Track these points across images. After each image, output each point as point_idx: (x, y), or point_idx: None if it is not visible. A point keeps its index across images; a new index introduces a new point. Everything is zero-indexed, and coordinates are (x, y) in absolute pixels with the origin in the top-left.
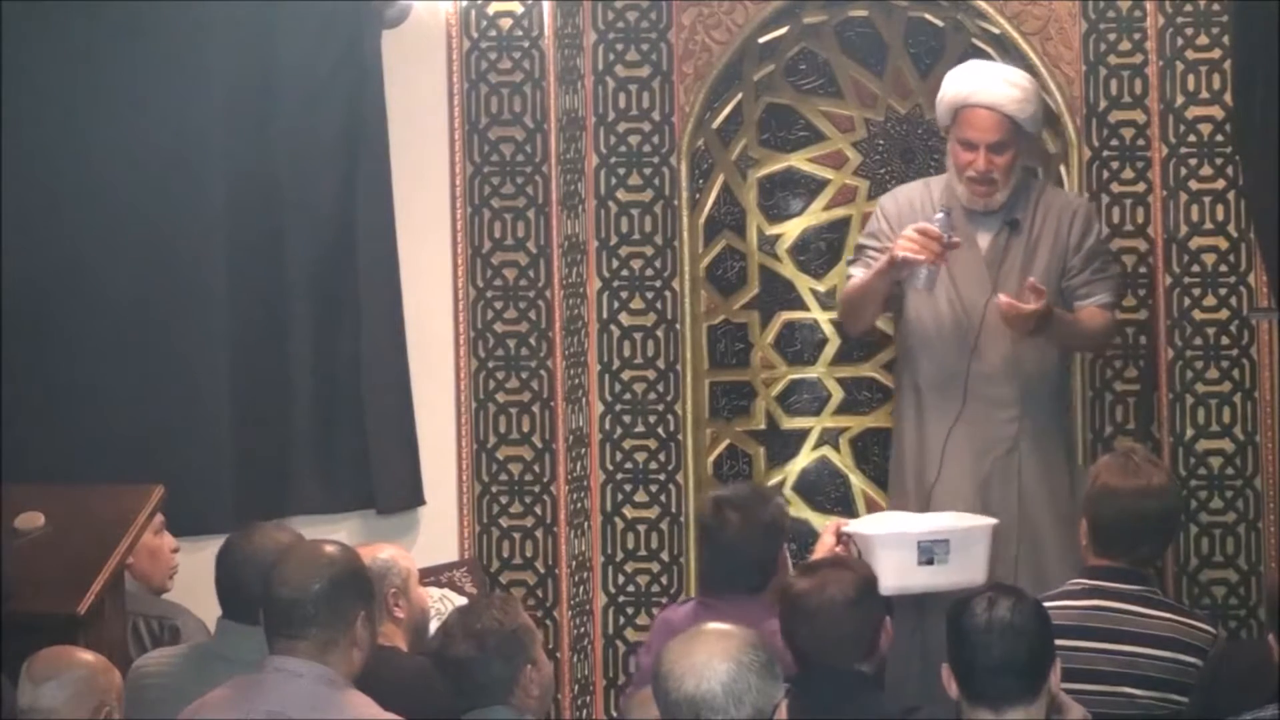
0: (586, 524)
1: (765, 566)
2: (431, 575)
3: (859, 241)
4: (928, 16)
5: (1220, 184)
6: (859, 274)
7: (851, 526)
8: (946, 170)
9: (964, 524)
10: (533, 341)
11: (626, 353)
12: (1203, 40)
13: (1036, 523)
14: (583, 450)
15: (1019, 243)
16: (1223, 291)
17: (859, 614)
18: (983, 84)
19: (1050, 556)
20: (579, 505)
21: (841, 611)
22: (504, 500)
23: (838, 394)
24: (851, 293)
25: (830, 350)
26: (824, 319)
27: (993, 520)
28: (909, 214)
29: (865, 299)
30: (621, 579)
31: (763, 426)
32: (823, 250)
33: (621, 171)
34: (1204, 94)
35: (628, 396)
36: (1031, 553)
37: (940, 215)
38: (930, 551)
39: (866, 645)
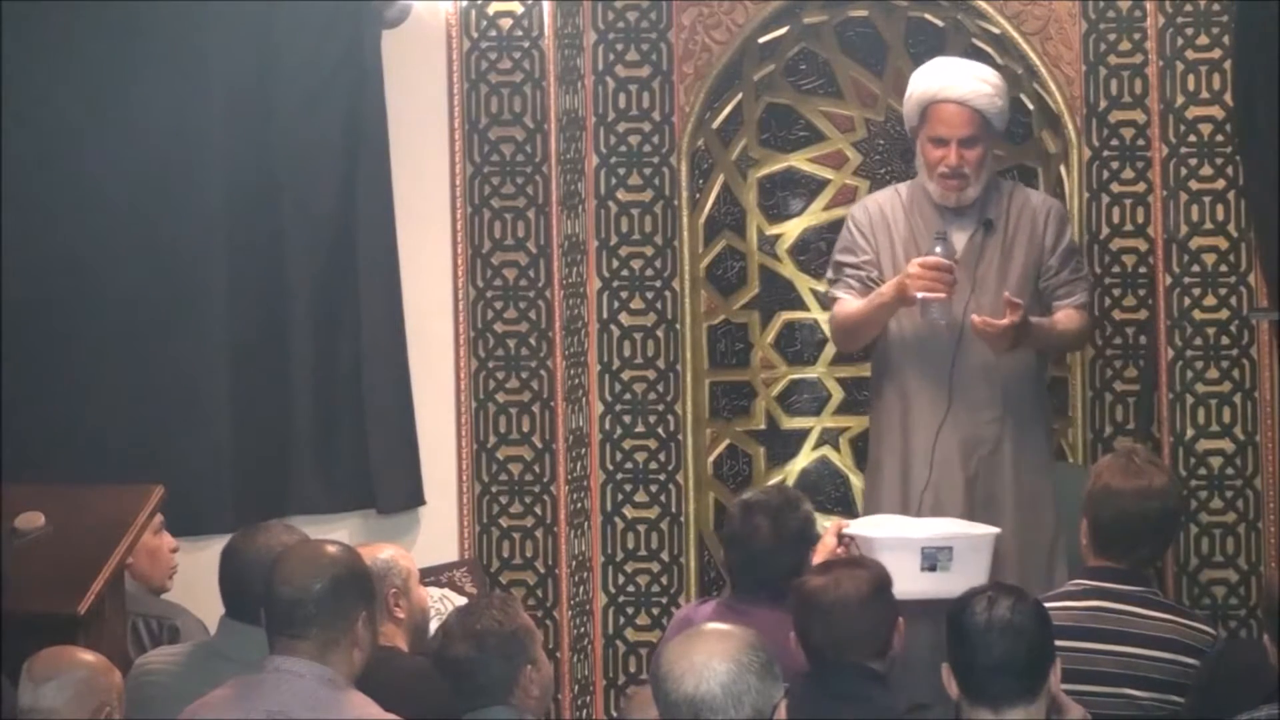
0: (586, 524)
1: (794, 573)
2: (431, 575)
3: (836, 259)
4: (928, 16)
5: (1220, 184)
6: (845, 296)
7: (853, 528)
8: (917, 173)
9: (968, 531)
10: (533, 341)
11: (626, 353)
12: (1203, 40)
13: (1024, 520)
14: (583, 450)
15: (994, 242)
16: (1223, 291)
17: (873, 611)
18: (951, 79)
19: (1039, 554)
20: (579, 505)
21: (855, 609)
22: (504, 500)
23: (838, 394)
24: (851, 321)
25: (830, 350)
26: (824, 319)
27: (996, 530)
28: (881, 222)
29: (867, 327)
30: (621, 579)
31: (763, 426)
32: (823, 250)
33: (621, 171)
34: (1204, 94)
35: (628, 396)
36: (1019, 551)
37: (938, 246)
38: (934, 558)
39: (880, 643)
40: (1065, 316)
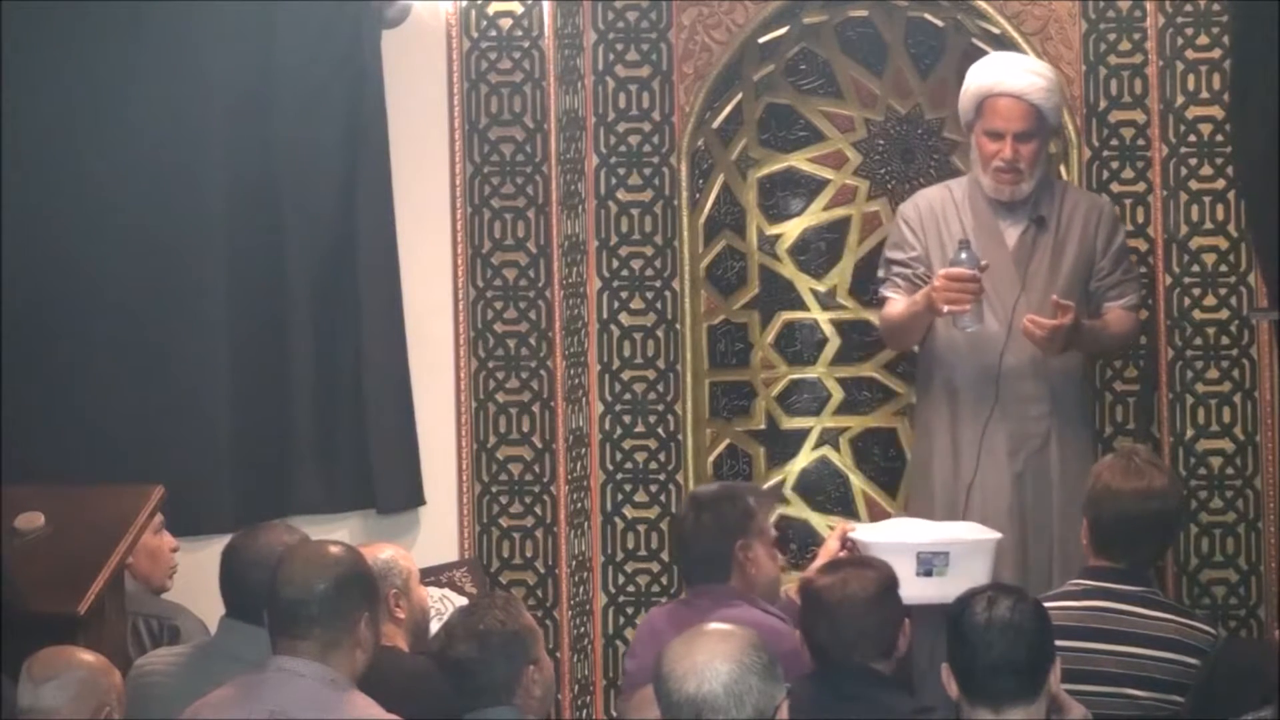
0: (586, 524)
1: (713, 561)
2: (432, 575)
3: (886, 256)
4: (928, 16)
5: (1220, 184)
6: (894, 296)
7: (857, 532)
8: (971, 168)
9: (968, 537)
10: (533, 341)
11: (626, 353)
12: (1203, 40)
13: (1070, 516)
14: (583, 450)
15: (1046, 240)
16: (1223, 291)
17: (879, 612)
18: (1007, 73)
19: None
20: (579, 505)
21: (861, 609)
22: (504, 500)
23: (838, 394)
24: (894, 323)
25: (830, 350)
26: (824, 319)
27: (997, 535)
28: (931, 218)
29: (910, 330)
30: (621, 579)
31: (763, 426)
32: (823, 250)
33: (621, 171)
34: (1204, 94)
35: (628, 396)
36: (1066, 546)
37: (964, 254)
38: (929, 563)
39: (885, 644)
40: (1115, 318)
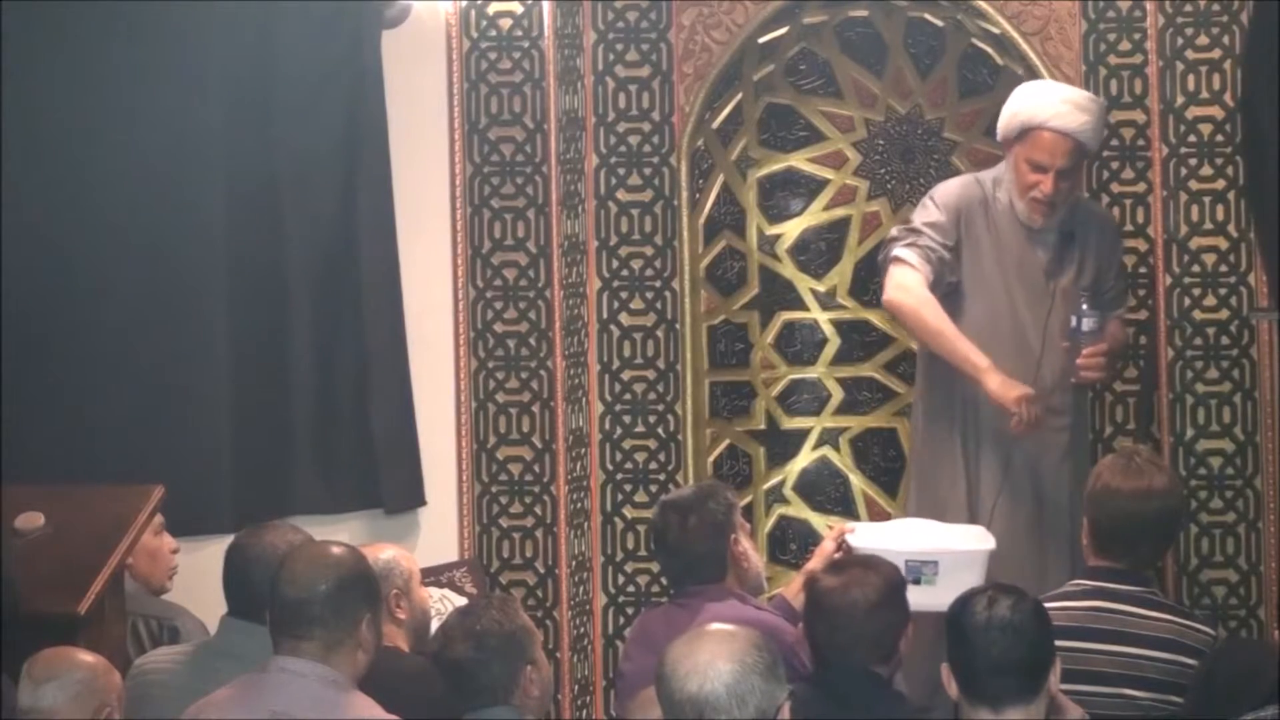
0: (586, 524)
1: (712, 560)
2: (432, 575)
3: (916, 225)
4: (928, 16)
5: (1220, 184)
6: (916, 265)
7: (854, 535)
8: (1005, 176)
9: (960, 546)
10: (533, 341)
11: (626, 353)
12: (1203, 40)
13: (1077, 527)
14: (583, 450)
15: (1072, 255)
16: (1223, 291)
17: (881, 616)
18: (1060, 109)
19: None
20: (579, 505)
21: (863, 612)
22: (504, 500)
23: (838, 394)
24: (923, 325)
25: (830, 350)
26: (824, 319)
27: (988, 546)
28: (966, 212)
29: (932, 348)
30: (621, 579)
31: (763, 426)
32: (823, 250)
33: (621, 171)
34: (1204, 94)
35: (628, 396)
36: (1071, 555)
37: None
38: (918, 571)
39: (886, 648)
40: (1115, 328)
